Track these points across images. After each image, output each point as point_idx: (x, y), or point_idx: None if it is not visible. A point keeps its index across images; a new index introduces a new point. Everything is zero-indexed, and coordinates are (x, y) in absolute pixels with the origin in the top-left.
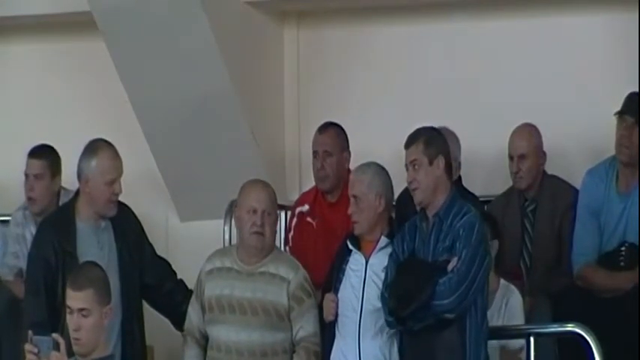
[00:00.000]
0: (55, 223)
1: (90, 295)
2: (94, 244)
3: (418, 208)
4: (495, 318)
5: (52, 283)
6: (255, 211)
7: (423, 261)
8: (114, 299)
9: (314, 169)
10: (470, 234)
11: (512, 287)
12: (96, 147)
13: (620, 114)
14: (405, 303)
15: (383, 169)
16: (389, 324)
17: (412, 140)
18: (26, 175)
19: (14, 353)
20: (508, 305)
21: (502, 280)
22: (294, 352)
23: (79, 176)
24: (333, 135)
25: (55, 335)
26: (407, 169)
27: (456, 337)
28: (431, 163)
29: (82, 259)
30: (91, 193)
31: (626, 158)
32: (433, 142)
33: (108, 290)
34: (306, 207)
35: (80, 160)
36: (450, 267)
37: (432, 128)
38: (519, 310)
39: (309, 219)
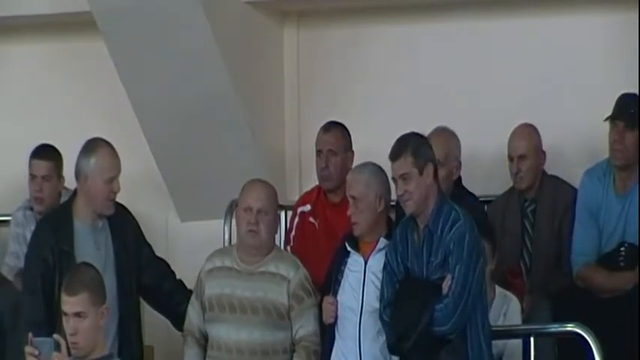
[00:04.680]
0: (53, 222)
1: (85, 298)
2: (91, 244)
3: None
4: None
5: (50, 282)
6: (250, 210)
7: (419, 282)
8: (110, 299)
9: (317, 168)
10: (460, 247)
11: (510, 295)
12: (94, 145)
13: (612, 119)
14: (406, 337)
15: (380, 169)
16: (390, 350)
17: (399, 153)
18: (33, 176)
19: (18, 354)
20: (507, 316)
21: (499, 289)
22: (294, 351)
23: (78, 175)
24: (338, 134)
25: (56, 336)
26: (395, 182)
27: (458, 341)
28: (421, 173)
29: (79, 258)
30: (89, 191)
31: (619, 162)
32: (420, 151)
33: (102, 290)
34: (308, 207)
35: (78, 159)
36: (444, 288)
37: (416, 134)
38: (518, 320)
39: (311, 219)
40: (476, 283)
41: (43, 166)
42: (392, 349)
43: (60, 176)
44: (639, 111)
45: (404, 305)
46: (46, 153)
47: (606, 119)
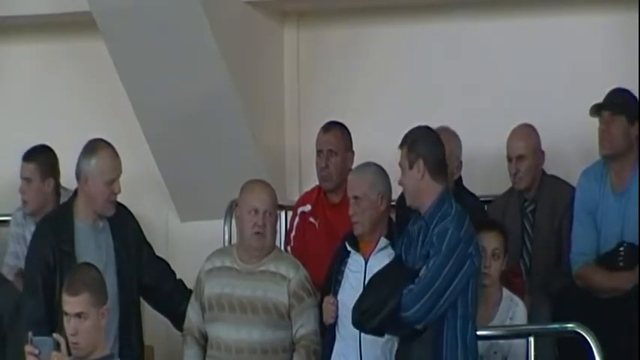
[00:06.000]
0: (53, 222)
1: (86, 299)
2: (92, 245)
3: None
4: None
5: (50, 282)
6: (256, 212)
7: (399, 269)
8: (111, 300)
9: (317, 168)
10: (441, 241)
11: (517, 299)
12: (95, 146)
13: (597, 110)
14: (370, 316)
15: (382, 168)
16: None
17: (401, 142)
18: (21, 178)
19: (18, 354)
20: (513, 320)
21: (506, 292)
22: (294, 350)
23: (78, 176)
24: (338, 134)
25: (55, 335)
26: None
27: (431, 334)
28: (411, 167)
29: (80, 259)
30: (90, 192)
31: (607, 151)
32: (416, 146)
33: (104, 290)
34: (308, 207)
35: (79, 160)
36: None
37: (426, 128)
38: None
39: (311, 219)
40: (458, 279)
41: (24, 169)
42: (355, 325)
43: (45, 177)
44: (639, 106)
45: (376, 286)
46: (30, 155)
47: (592, 113)
